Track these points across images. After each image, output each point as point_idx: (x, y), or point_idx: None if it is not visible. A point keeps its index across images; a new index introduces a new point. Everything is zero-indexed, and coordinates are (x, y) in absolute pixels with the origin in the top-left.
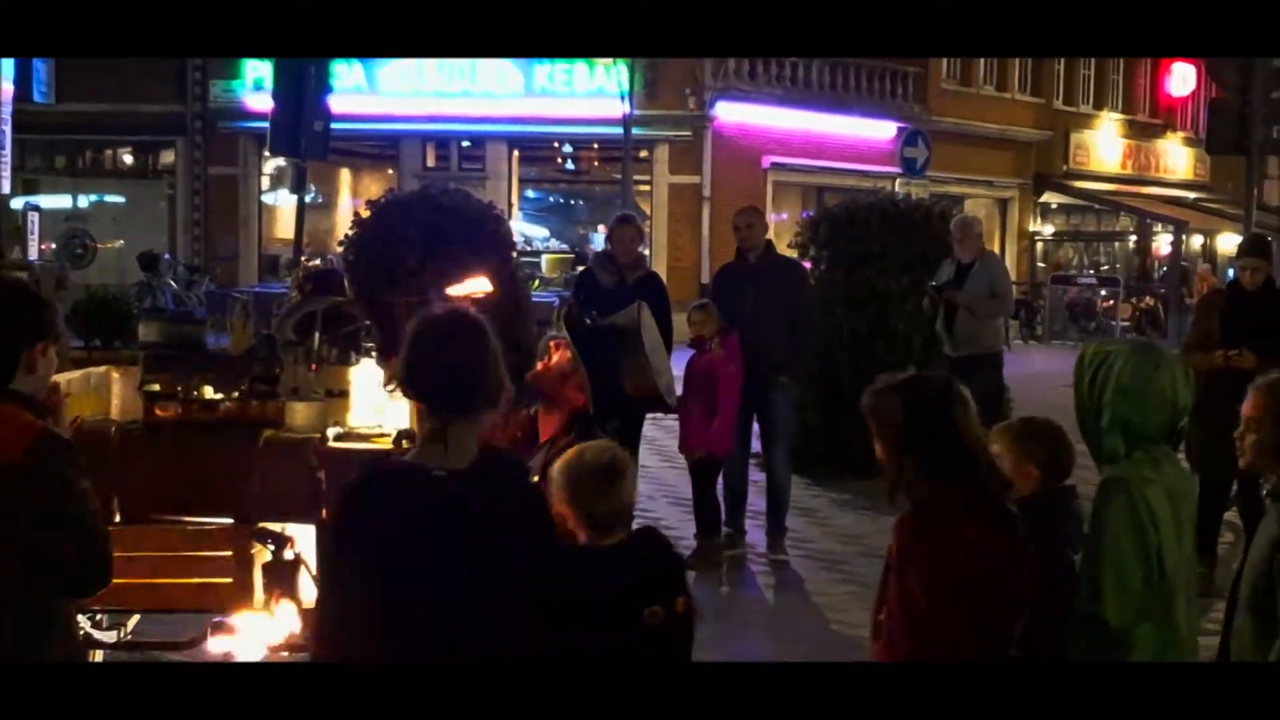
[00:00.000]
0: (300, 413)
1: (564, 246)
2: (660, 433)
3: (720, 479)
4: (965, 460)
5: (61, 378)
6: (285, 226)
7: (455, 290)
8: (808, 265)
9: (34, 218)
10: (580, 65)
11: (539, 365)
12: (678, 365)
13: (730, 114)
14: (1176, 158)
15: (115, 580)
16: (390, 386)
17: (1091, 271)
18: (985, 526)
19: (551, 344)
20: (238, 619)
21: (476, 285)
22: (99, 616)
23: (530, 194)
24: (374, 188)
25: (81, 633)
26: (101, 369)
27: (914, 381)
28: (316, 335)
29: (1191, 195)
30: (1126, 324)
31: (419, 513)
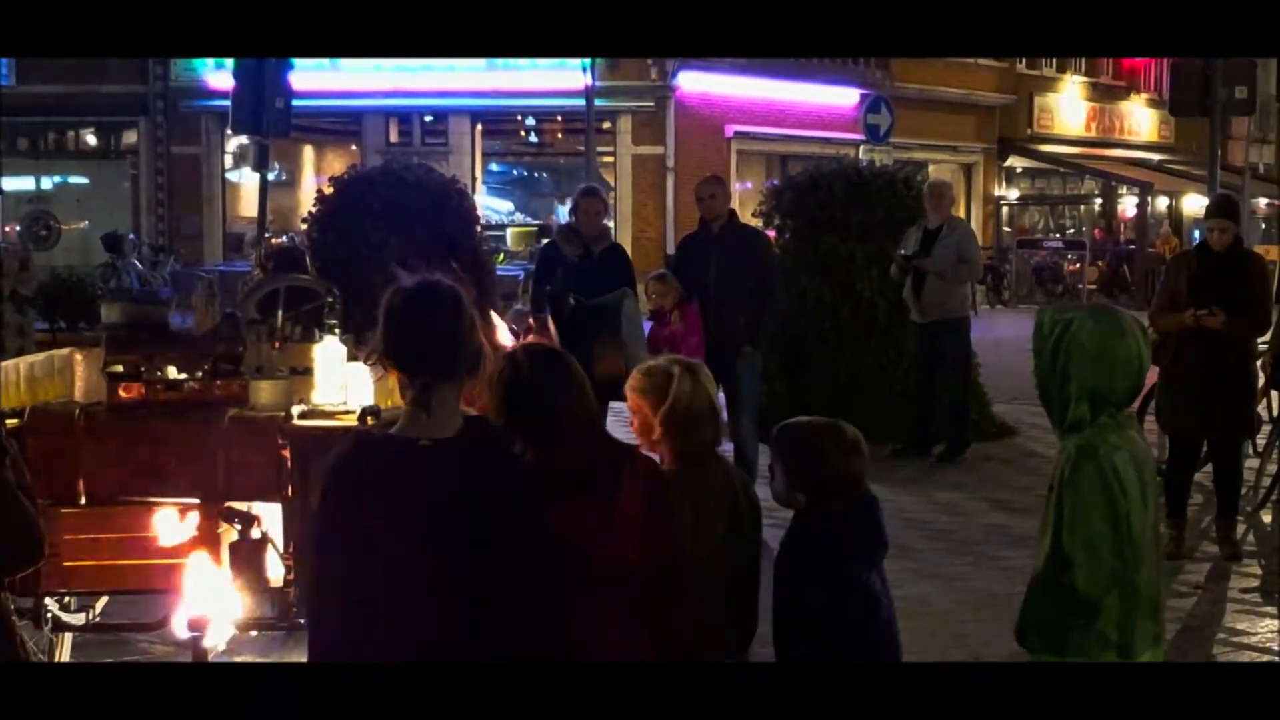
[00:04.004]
0: (265, 391)
1: (529, 220)
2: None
3: None
4: (557, 433)
5: (25, 360)
6: (249, 205)
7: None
8: (772, 234)
9: None
10: None
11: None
12: None
13: (692, 84)
14: (1140, 120)
15: (83, 562)
16: (370, 360)
17: (1057, 235)
18: (563, 501)
19: (533, 320)
20: (205, 599)
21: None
22: (67, 599)
23: (494, 167)
24: (337, 164)
25: (50, 616)
26: (65, 351)
27: (518, 352)
28: (280, 313)
29: (1156, 157)
30: (1093, 287)
31: (407, 484)
